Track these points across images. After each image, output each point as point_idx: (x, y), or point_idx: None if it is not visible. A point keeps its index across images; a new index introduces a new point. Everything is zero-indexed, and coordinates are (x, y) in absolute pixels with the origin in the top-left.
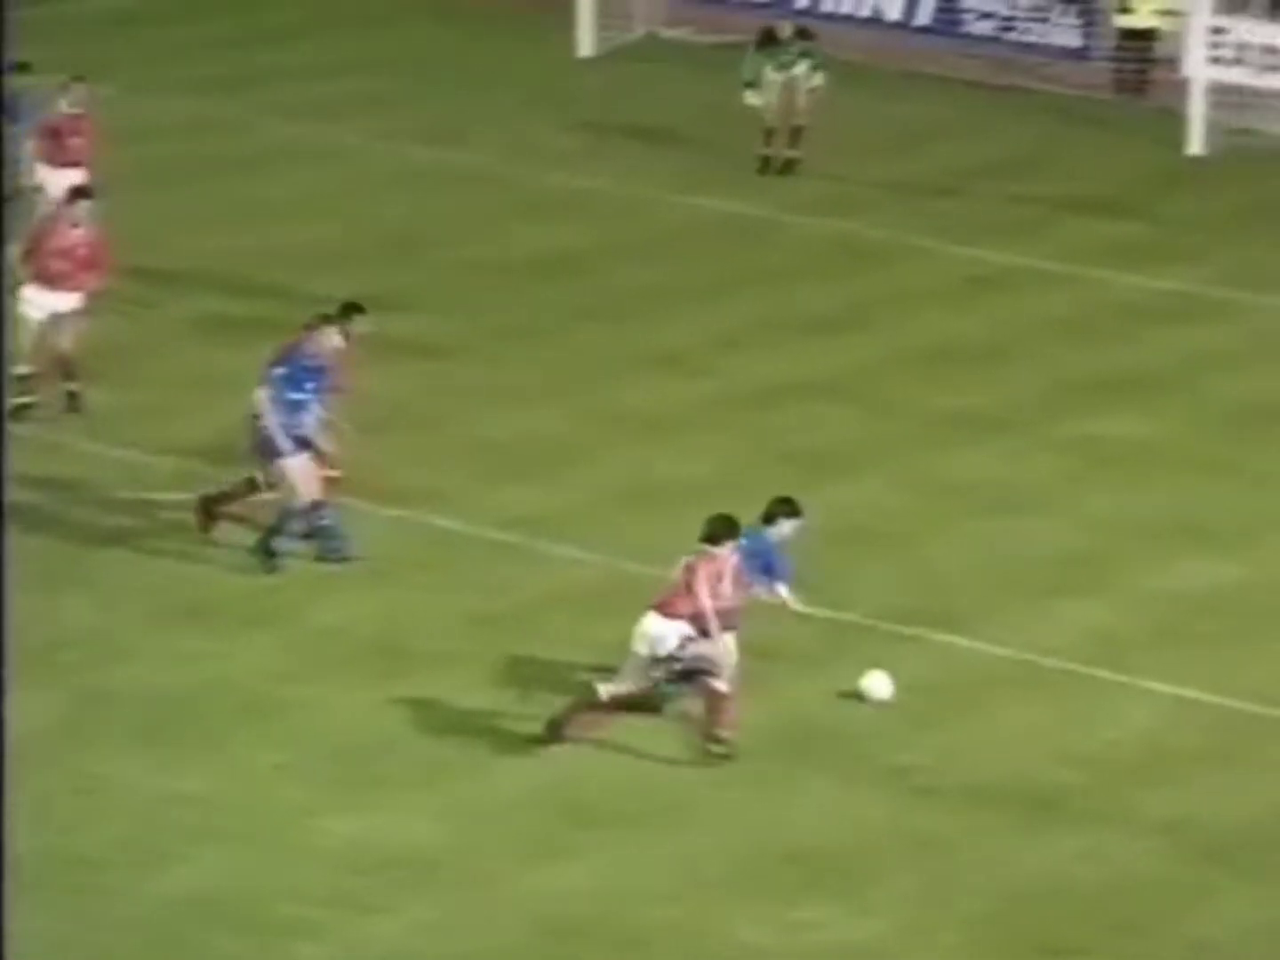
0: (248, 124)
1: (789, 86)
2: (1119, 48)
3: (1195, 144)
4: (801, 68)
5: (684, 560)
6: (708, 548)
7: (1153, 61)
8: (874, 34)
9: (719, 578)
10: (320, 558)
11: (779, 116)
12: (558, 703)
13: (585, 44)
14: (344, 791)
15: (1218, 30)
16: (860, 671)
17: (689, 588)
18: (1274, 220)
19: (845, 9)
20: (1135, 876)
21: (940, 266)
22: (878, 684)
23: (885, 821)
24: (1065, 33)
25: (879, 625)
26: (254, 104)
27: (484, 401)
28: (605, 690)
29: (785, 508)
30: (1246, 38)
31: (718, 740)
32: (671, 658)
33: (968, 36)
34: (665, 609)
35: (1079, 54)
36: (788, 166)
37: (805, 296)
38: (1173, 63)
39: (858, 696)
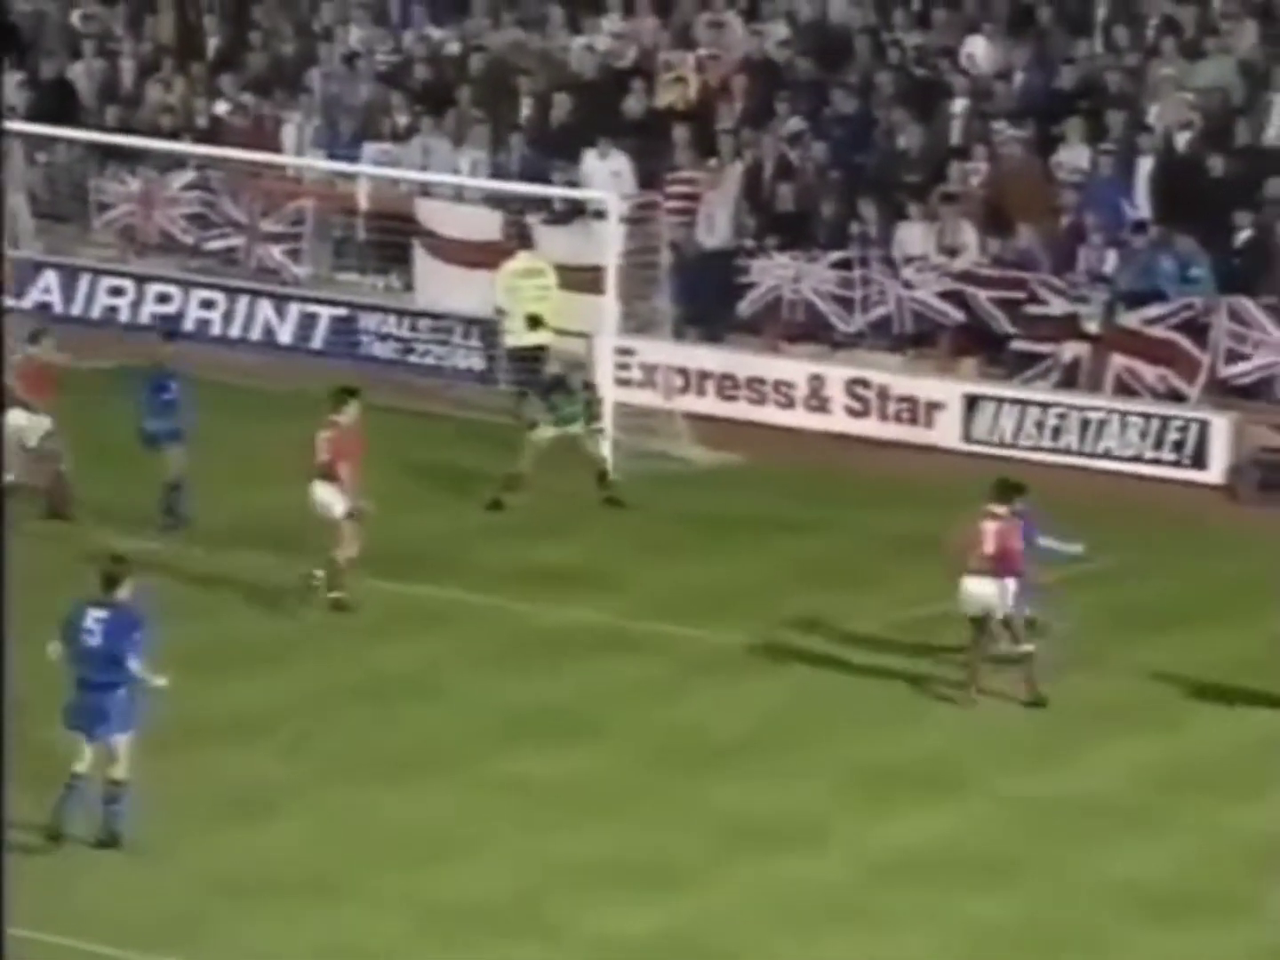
0: None
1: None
2: (513, 370)
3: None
4: (576, 425)
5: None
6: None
7: None
8: (268, 356)
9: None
10: None
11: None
12: None
13: None
14: None
15: (625, 351)
16: None
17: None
18: (688, 546)
19: (235, 332)
20: None
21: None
22: None
23: None
24: (468, 355)
25: None
26: None
27: None
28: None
29: None
30: (654, 359)
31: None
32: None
33: (367, 359)
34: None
35: (482, 376)
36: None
37: None
38: None
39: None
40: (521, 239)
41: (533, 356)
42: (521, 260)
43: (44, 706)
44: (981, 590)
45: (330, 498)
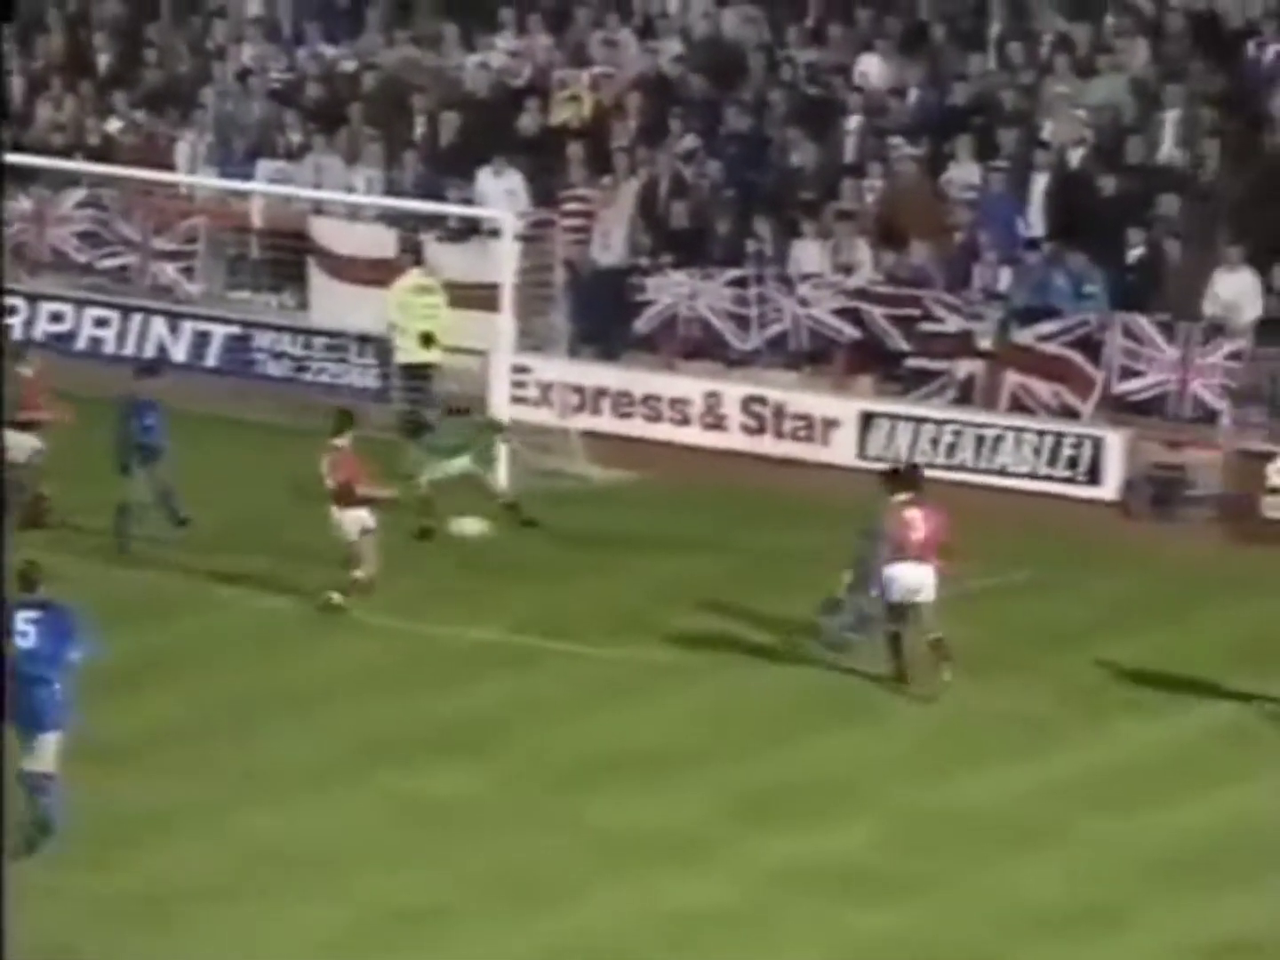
0: None
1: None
2: (404, 387)
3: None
4: (463, 459)
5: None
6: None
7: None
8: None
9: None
10: None
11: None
12: None
13: None
14: None
15: (520, 369)
16: None
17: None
18: (584, 564)
19: (128, 350)
20: None
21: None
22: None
23: None
24: (363, 373)
25: None
26: None
27: None
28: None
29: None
30: (549, 377)
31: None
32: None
33: (261, 377)
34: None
35: (377, 394)
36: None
37: None
38: None
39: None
40: (414, 255)
41: (423, 375)
42: (413, 277)
43: None
44: (918, 576)
45: (341, 520)
